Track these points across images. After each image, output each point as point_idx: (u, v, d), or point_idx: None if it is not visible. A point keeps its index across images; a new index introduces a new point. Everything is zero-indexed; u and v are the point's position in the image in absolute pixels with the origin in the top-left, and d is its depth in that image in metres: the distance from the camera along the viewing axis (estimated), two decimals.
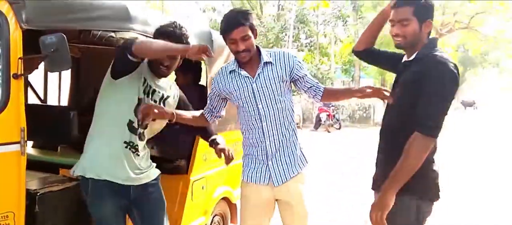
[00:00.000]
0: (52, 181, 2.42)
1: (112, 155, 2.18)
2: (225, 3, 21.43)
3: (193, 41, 2.94)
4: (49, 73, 3.71)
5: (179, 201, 3.01)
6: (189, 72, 3.36)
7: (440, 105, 1.86)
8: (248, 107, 2.27)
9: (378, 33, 2.35)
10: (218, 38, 3.35)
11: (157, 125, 2.35)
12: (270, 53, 2.33)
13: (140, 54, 2.00)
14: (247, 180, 2.36)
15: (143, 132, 2.26)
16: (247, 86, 2.26)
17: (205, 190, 3.23)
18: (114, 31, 2.51)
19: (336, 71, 26.18)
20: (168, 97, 2.36)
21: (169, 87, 2.40)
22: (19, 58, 1.91)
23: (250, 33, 2.18)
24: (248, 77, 2.27)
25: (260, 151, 2.30)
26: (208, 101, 2.44)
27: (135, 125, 2.20)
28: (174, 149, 3.11)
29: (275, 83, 2.26)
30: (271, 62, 2.28)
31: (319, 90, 2.38)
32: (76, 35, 2.65)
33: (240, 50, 2.18)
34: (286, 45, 18.30)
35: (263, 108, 2.25)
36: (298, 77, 2.33)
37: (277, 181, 2.29)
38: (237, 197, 3.57)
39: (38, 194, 2.20)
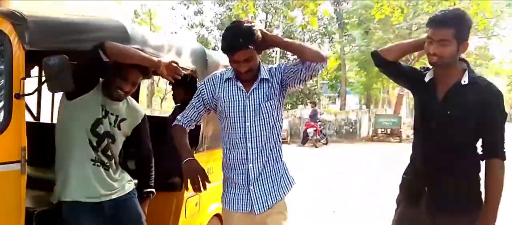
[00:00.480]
0: (48, 199, 2.43)
1: (81, 176, 2.21)
2: (213, 19, 21.57)
3: (187, 58, 3.04)
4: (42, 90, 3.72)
5: (173, 218, 3.03)
6: (189, 90, 3.41)
7: (504, 133, 2.05)
8: (235, 123, 2.14)
9: (408, 54, 2.38)
10: (212, 54, 3.43)
11: (120, 139, 2.39)
12: (270, 70, 2.21)
13: (113, 53, 2.06)
14: (227, 208, 2.21)
15: (108, 148, 2.30)
16: (239, 100, 2.14)
17: (199, 207, 3.26)
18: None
19: (322, 86, 26.50)
20: (123, 119, 2.38)
21: (124, 108, 2.40)
22: (22, 78, 1.95)
23: (254, 54, 2.06)
24: (242, 90, 2.15)
25: (241, 175, 2.16)
26: (187, 109, 2.25)
27: (95, 144, 2.25)
28: (169, 166, 3.14)
29: (268, 100, 2.14)
30: (268, 80, 2.16)
31: (298, 62, 2.14)
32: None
33: (242, 71, 2.09)
34: (273, 61, 18.51)
35: (250, 126, 2.12)
36: (286, 77, 2.18)
37: (259, 209, 2.13)
38: None
39: (35, 212, 2.22)
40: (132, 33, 2.51)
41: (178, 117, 2.26)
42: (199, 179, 2.04)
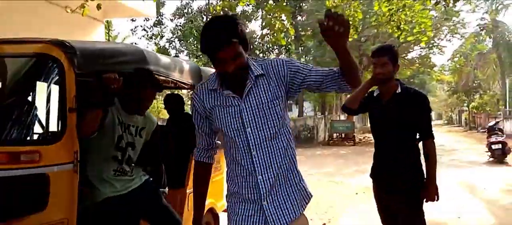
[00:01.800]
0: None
1: (107, 184, 2.69)
2: (174, 30, 21.83)
3: (187, 75, 3.58)
4: None
5: (179, 211, 3.54)
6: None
7: (431, 121, 2.99)
8: (234, 133, 1.81)
9: (364, 95, 3.00)
10: (204, 69, 4.00)
11: (139, 146, 2.87)
12: (262, 64, 1.86)
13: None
14: None
15: (129, 157, 2.79)
16: (233, 107, 1.81)
17: None
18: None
19: None
20: (142, 128, 2.87)
21: (141, 119, 2.86)
22: (74, 95, 2.43)
23: (241, 49, 1.72)
24: (234, 97, 1.81)
25: (251, 189, 1.83)
26: (198, 133, 1.99)
27: (120, 157, 2.73)
28: (172, 167, 3.66)
29: (268, 101, 1.80)
30: (263, 75, 1.82)
31: (338, 76, 1.79)
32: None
33: (230, 71, 1.72)
34: None
35: (252, 133, 1.79)
36: (299, 81, 1.83)
37: None
38: (220, 208, 4.16)
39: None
40: (147, 55, 3.04)
41: (195, 151, 2.05)
42: None
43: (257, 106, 1.80)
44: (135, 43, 19.83)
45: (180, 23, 21.06)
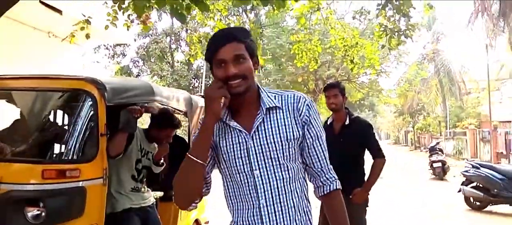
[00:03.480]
0: None
1: (126, 198, 3.26)
2: (139, 50, 22.06)
3: (182, 103, 4.21)
4: None
5: (172, 221, 4.12)
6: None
7: (378, 143, 3.72)
8: (239, 175, 1.53)
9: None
10: (194, 98, 4.64)
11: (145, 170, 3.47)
12: (276, 95, 1.58)
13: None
14: None
15: (143, 177, 3.41)
16: (239, 143, 1.52)
17: (187, 214, 4.37)
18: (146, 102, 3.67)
19: None
20: (153, 153, 3.52)
21: (153, 145, 3.53)
22: (105, 123, 3.00)
23: (246, 54, 1.48)
24: (241, 131, 1.51)
25: None
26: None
27: (136, 176, 3.34)
28: (166, 182, 4.24)
29: (281, 140, 1.51)
30: (277, 108, 1.54)
31: (324, 188, 1.61)
32: None
33: (230, 74, 1.45)
34: (198, 92, 19.66)
35: (261, 176, 1.51)
36: (305, 137, 1.57)
37: None
38: (203, 220, 4.78)
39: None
40: (155, 89, 3.66)
41: None
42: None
43: (268, 144, 1.49)
44: (97, 62, 19.92)
45: (144, 43, 21.44)
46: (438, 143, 15.65)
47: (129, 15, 6.41)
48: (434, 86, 30.02)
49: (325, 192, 1.61)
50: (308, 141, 1.57)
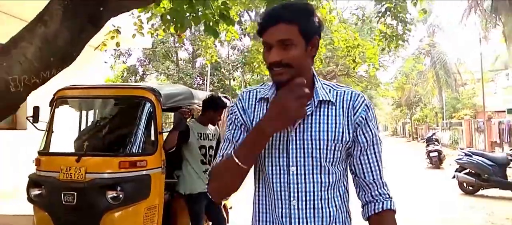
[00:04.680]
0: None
1: (201, 179, 3.90)
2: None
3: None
4: None
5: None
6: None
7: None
8: (273, 167, 1.36)
9: None
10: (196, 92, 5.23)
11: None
12: (332, 89, 1.40)
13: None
14: None
15: (210, 158, 4.10)
16: (280, 132, 1.33)
17: None
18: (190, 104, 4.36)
19: None
20: (214, 134, 4.16)
21: (214, 127, 4.16)
22: (161, 123, 3.72)
23: (297, 39, 1.27)
24: None
25: None
26: (227, 142, 1.43)
27: (204, 158, 4.02)
28: None
29: (328, 139, 1.33)
30: (331, 103, 1.36)
31: (375, 205, 1.38)
32: None
33: (272, 61, 1.29)
34: (203, 89, 20.37)
35: (297, 175, 1.33)
36: (356, 140, 1.38)
37: None
38: (228, 205, 5.46)
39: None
40: (194, 93, 4.39)
41: (217, 157, 1.45)
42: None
43: (311, 142, 1.32)
44: (105, 62, 20.56)
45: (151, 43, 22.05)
46: (434, 133, 16.36)
47: (152, 24, 7.14)
48: (431, 78, 30.77)
49: (376, 211, 1.36)
50: (360, 146, 1.37)
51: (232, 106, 1.47)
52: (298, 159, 1.33)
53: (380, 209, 1.36)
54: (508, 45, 17.13)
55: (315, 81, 1.38)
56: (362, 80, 25.68)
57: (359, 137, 1.37)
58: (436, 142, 14.80)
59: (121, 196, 3.36)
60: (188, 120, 3.90)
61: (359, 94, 1.40)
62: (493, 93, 26.12)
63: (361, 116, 1.36)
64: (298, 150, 1.33)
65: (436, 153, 13.89)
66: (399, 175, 12.67)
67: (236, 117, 1.43)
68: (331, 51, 17.69)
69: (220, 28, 4.40)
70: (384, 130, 62.31)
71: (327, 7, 7.33)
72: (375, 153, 1.39)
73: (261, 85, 1.46)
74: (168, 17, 4.20)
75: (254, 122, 1.39)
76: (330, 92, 1.38)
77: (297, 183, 1.33)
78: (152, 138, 3.74)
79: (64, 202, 3.30)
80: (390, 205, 1.37)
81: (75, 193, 3.28)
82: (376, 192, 1.38)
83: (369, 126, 1.37)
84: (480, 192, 8.73)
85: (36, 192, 3.46)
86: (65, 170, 3.36)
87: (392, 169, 13.61)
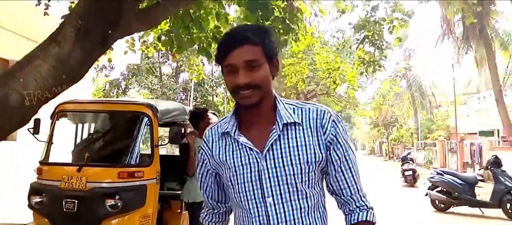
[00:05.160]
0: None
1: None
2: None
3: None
4: None
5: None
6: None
7: None
8: (249, 202, 1.31)
9: None
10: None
11: None
12: (296, 108, 1.35)
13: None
14: None
15: None
16: (250, 164, 1.30)
17: None
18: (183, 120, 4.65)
19: None
20: None
21: None
22: (158, 137, 4.00)
23: (262, 60, 1.27)
24: (251, 149, 1.30)
25: None
26: (203, 193, 1.48)
27: None
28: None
29: (300, 162, 1.28)
30: (297, 124, 1.31)
31: (352, 216, 1.37)
32: None
33: (240, 84, 1.25)
34: (186, 104, 20.59)
35: (275, 205, 1.29)
36: (329, 159, 1.34)
37: None
38: None
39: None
40: (186, 109, 4.68)
41: (201, 216, 1.55)
42: None
43: (283, 168, 1.28)
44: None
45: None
46: (409, 153, 16.93)
47: (144, 41, 7.42)
48: (407, 100, 31.80)
49: (352, 223, 1.35)
50: (334, 164, 1.33)
51: (203, 143, 1.44)
52: (273, 188, 1.28)
53: (356, 220, 1.34)
54: (479, 70, 18.07)
55: (276, 103, 1.33)
56: (341, 100, 26.36)
57: (331, 155, 1.33)
58: (411, 162, 15.34)
59: (119, 204, 3.60)
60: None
61: (324, 111, 1.34)
62: (465, 116, 27.16)
63: (332, 134, 1.32)
64: (272, 179, 1.28)
65: (410, 172, 14.41)
66: (376, 193, 13.10)
67: (204, 159, 1.42)
68: (312, 71, 18.25)
69: (212, 49, 4.72)
70: (362, 149, 63.39)
71: (309, 31, 7.76)
72: (350, 168, 1.35)
73: (222, 119, 1.42)
74: (166, 37, 4.50)
75: (220, 158, 1.35)
76: (294, 112, 1.33)
77: (276, 214, 1.28)
78: (149, 150, 4.01)
79: (65, 209, 3.52)
80: (367, 216, 1.35)
81: (76, 201, 3.51)
82: (354, 206, 1.36)
83: (340, 142, 1.33)
84: (451, 209, 9.20)
85: (37, 199, 3.67)
86: (66, 179, 3.59)
87: (369, 187, 14.00)
